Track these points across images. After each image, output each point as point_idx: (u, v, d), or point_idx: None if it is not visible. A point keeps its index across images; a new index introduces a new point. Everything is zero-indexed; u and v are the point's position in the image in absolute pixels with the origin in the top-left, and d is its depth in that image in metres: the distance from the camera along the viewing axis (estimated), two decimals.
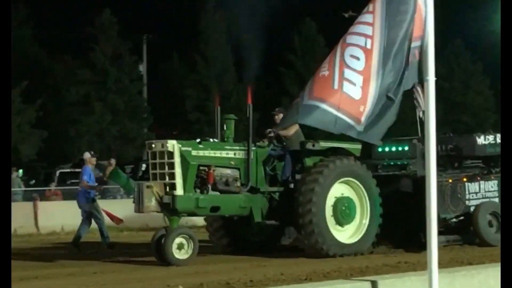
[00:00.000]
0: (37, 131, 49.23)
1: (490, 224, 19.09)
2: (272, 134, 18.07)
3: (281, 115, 18.39)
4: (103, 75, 53.03)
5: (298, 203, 17.02)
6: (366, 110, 9.52)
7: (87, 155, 21.24)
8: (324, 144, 17.99)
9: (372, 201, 17.93)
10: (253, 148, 17.41)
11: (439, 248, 18.51)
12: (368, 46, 9.50)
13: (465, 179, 19.64)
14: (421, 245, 17.54)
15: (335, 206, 17.50)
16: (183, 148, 16.56)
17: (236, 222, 18.24)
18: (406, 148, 20.06)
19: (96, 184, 20.98)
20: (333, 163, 17.43)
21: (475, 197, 19.53)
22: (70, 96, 52.21)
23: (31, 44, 55.82)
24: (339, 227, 17.57)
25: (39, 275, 15.25)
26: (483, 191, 19.65)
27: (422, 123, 22.77)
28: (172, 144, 16.44)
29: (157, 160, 16.65)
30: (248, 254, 17.84)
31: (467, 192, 19.44)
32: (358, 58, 9.46)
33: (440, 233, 19.38)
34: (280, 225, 18.06)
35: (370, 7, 9.62)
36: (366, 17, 9.69)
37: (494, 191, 19.86)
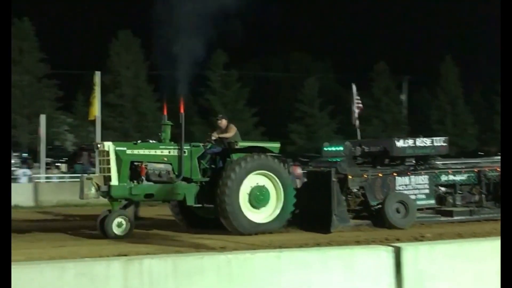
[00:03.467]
0: (339, 136, 49.38)
1: (398, 211, 15.27)
2: (214, 137, 15.07)
3: (223, 121, 15.42)
4: (378, 101, 55.19)
5: (217, 188, 14.01)
6: None
7: None
8: (243, 144, 14.77)
9: (286, 191, 14.49)
10: (188, 147, 14.39)
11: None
12: None
13: (395, 174, 15.80)
14: (329, 228, 13.77)
15: (250, 193, 14.28)
16: (118, 148, 13.85)
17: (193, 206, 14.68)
18: (341, 148, 16.46)
19: None
20: (250, 158, 14.25)
21: (405, 188, 15.78)
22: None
23: (332, 80, 59.05)
24: (254, 210, 14.35)
25: None
26: (414, 184, 15.88)
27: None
28: (108, 145, 13.84)
29: (100, 158, 14.10)
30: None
31: (397, 184, 15.70)
32: None
33: (363, 217, 14.95)
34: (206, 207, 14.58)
35: None
36: None
37: (425, 183, 16.05)
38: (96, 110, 20.30)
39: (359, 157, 16.49)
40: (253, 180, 14.43)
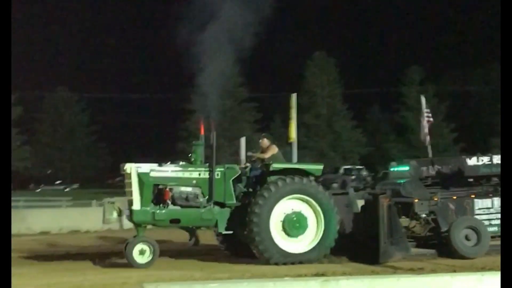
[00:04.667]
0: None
1: (467, 238, 12.97)
2: (254, 158, 13.67)
3: (265, 140, 13.85)
4: None
5: (246, 214, 12.52)
6: None
7: None
8: (279, 165, 13.02)
9: (326, 217, 12.60)
10: (221, 169, 12.92)
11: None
12: None
13: (473, 196, 13.44)
14: (377, 257, 12.13)
15: (284, 220, 12.61)
16: (140, 171, 12.60)
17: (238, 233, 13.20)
18: (407, 168, 14.40)
19: None
20: (282, 182, 12.56)
21: (486, 212, 13.39)
22: None
23: None
24: (290, 238, 12.67)
25: None
26: (497, 207, 13.36)
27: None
28: (130, 167, 12.64)
29: (126, 180, 13.00)
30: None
31: (476, 208, 13.40)
32: None
33: (430, 246, 13.19)
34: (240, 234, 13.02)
35: None
36: None
37: None
38: (293, 132, 19.86)
39: (429, 177, 14.23)
40: (287, 205, 12.55)
